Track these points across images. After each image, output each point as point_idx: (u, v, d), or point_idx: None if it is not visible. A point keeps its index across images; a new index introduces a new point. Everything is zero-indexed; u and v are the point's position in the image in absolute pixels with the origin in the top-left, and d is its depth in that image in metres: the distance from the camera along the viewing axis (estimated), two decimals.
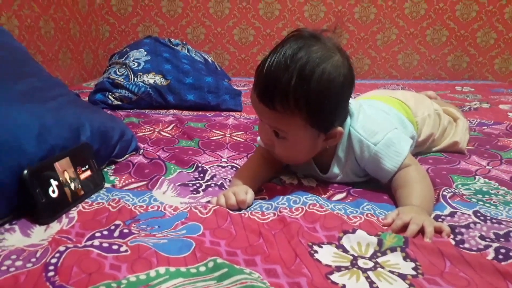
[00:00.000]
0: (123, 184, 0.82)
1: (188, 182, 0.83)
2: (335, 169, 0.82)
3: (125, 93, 1.47)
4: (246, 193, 0.73)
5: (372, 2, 2.45)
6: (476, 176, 0.87)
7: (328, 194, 0.79)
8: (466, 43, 2.45)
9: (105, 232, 0.62)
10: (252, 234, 0.63)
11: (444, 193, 0.77)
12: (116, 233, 0.62)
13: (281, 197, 0.75)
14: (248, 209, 0.72)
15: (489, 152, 1.03)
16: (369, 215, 0.70)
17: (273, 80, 0.68)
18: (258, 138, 0.88)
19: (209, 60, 2.03)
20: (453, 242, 0.62)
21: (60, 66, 2.08)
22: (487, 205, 0.74)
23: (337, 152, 0.80)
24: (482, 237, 0.62)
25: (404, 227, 0.63)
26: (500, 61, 2.44)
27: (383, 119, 0.86)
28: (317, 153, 0.79)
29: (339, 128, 0.75)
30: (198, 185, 0.82)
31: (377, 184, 0.82)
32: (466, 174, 0.88)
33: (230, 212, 0.69)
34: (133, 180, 0.84)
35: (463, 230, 0.65)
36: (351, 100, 0.79)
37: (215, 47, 2.61)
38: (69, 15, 2.18)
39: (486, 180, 0.85)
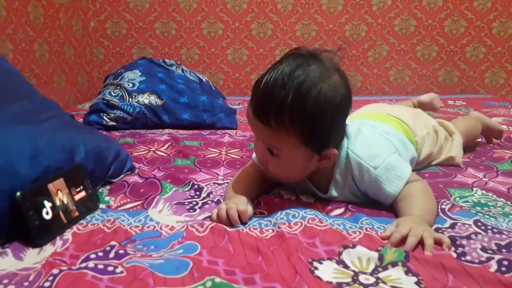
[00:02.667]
0: (118, 204, 0.81)
1: (184, 201, 0.82)
2: (334, 192, 0.80)
3: (120, 113, 1.46)
4: (247, 204, 0.73)
5: (362, 20, 2.49)
6: (474, 188, 0.86)
7: (326, 209, 0.78)
8: (456, 58, 2.49)
9: (100, 254, 0.61)
10: (250, 251, 0.62)
11: (443, 206, 0.76)
12: (112, 254, 0.61)
13: (280, 211, 0.74)
14: (246, 226, 0.71)
15: (485, 164, 1.03)
16: (368, 229, 0.69)
17: (269, 96, 0.68)
18: (254, 155, 0.88)
19: (204, 79, 2.05)
20: (454, 255, 0.61)
21: (55, 89, 2.08)
22: (487, 216, 0.73)
23: (334, 175, 0.79)
24: (484, 249, 0.61)
25: (403, 240, 0.62)
26: (491, 74, 2.47)
27: (382, 142, 0.86)
28: (312, 174, 0.78)
29: (333, 150, 0.74)
30: (194, 203, 0.81)
31: (375, 200, 0.82)
32: (463, 187, 0.88)
33: (228, 229, 0.68)
34: (128, 200, 0.83)
35: (464, 241, 0.64)
36: (349, 122, 0.78)
37: (209, 67, 2.63)
38: (64, 38, 2.20)
39: (484, 192, 0.85)
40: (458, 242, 0.64)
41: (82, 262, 0.59)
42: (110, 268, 0.56)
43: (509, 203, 0.79)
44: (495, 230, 0.67)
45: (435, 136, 1.02)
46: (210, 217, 0.73)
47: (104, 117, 1.46)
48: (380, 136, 0.89)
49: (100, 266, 0.57)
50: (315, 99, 0.67)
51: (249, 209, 0.72)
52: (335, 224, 0.71)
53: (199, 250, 0.63)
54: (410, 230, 0.63)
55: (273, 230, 0.69)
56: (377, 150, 0.78)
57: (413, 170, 0.97)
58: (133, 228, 0.71)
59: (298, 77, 0.67)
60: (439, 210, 0.75)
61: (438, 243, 0.63)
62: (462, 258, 0.60)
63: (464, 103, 1.95)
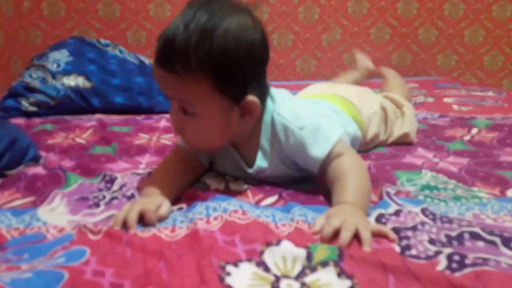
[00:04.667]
0: (4, 201, 0.66)
1: (89, 195, 0.68)
2: (262, 161, 0.70)
3: (42, 97, 1.29)
4: (160, 206, 0.60)
5: (314, 2, 2.38)
6: (423, 170, 0.78)
7: (257, 198, 0.67)
8: (409, 40, 2.44)
9: None
10: (152, 257, 0.49)
11: (388, 189, 0.67)
12: None
13: (199, 204, 0.62)
14: (158, 225, 0.58)
15: (436, 144, 0.95)
16: (300, 222, 0.58)
17: (171, 39, 0.59)
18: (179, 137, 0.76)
19: (147, 62, 1.88)
20: (397, 249, 0.51)
21: None
22: (436, 201, 0.64)
23: (260, 141, 0.70)
24: (432, 241, 0.52)
25: (336, 234, 0.52)
26: (442, 57, 2.44)
27: (314, 107, 0.77)
28: (240, 144, 0.70)
29: (254, 98, 0.64)
30: (100, 197, 0.68)
31: (314, 183, 0.72)
32: (411, 169, 0.79)
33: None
34: (18, 196, 0.68)
35: (409, 233, 0.54)
36: (275, 90, 0.69)
37: None
38: None
39: (434, 173, 0.76)
40: (402, 234, 0.54)
41: None
42: None
43: (460, 184, 0.71)
44: (444, 219, 0.58)
45: (383, 114, 0.94)
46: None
47: (23, 102, 1.28)
48: (314, 104, 0.81)
49: None
50: (223, 36, 0.59)
51: (163, 212, 0.59)
52: (262, 215, 0.59)
53: (86, 257, 0.49)
54: (342, 222, 0.53)
55: (187, 228, 0.57)
56: (305, 113, 0.70)
57: (359, 151, 0.89)
58: (12, 231, 0.57)
59: (201, 16, 0.59)
60: (384, 193, 0.66)
61: (377, 235, 0.53)
62: (407, 253, 0.50)
63: (417, 85, 1.90)
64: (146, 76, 1.49)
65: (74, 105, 1.32)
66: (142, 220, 0.58)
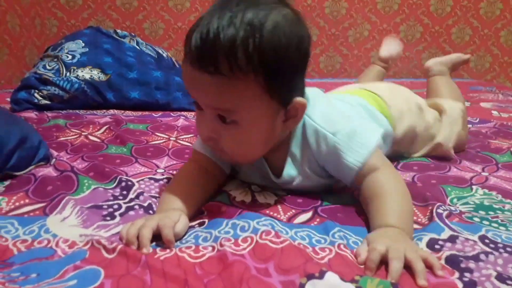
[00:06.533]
0: (12, 206, 0.60)
1: (103, 203, 0.62)
2: (291, 170, 0.63)
3: (55, 90, 1.23)
4: (177, 222, 0.53)
5: None
6: (473, 186, 0.70)
7: (289, 214, 0.60)
8: (441, 39, 2.33)
9: None
10: (175, 284, 0.43)
11: (439, 210, 0.59)
12: None
13: (225, 221, 0.55)
14: (178, 243, 0.52)
15: (481, 156, 0.86)
16: (341, 246, 0.51)
17: (214, 37, 0.50)
18: (196, 142, 0.69)
19: (164, 55, 1.82)
20: (460, 285, 0.44)
21: None
22: (494, 225, 0.56)
23: (290, 148, 0.63)
24: (500, 278, 0.44)
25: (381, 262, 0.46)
26: (476, 58, 2.32)
27: (348, 110, 0.70)
28: (269, 150, 0.62)
29: (301, 99, 0.57)
30: (116, 206, 0.61)
31: (352, 197, 0.65)
32: (460, 184, 0.71)
33: None
34: (27, 201, 0.62)
35: (471, 264, 0.47)
36: (307, 89, 0.62)
37: (176, 44, 2.39)
38: (6, 5, 1.91)
39: (486, 190, 0.68)
40: (463, 265, 0.47)
41: None
42: None
43: None
44: (509, 248, 0.50)
45: (419, 112, 0.84)
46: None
47: (36, 95, 1.23)
48: (347, 104, 0.74)
49: None
50: (272, 31, 0.52)
51: (179, 229, 0.52)
52: (297, 237, 0.52)
53: (100, 280, 0.43)
54: (388, 250, 0.46)
55: (213, 248, 0.50)
56: (339, 116, 0.63)
57: (396, 158, 0.81)
58: (18, 244, 0.51)
59: (245, 12, 0.51)
60: (434, 214, 0.58)
61: (426, 265, 0.46)
62: None
63: None
64: (164, 70, 1.43)
65: (88, 99, 1.26)
66: (156, 239, 0.51)
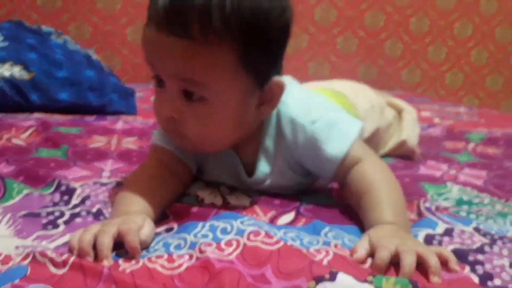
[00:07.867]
0: None
1: (41, 211, 0.50)
2: (264, 166, 0.57)
3: None
4: (141, 227, 0.43)
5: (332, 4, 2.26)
6: (447, 183, 0.68)
7: (269, 215, 0.53)
8: (375, 53, 2.41)
9: None
10: None
11: (426, 204, 0.56)
12: None
13: (200, 223, 0.47)
14: (144, 253, 0.42)
15: (442, 156, 0.86)
16: (338, 246, 0.45)
17: None
18: (155, 135, 0.59)
19: (94, 58, 1.66)
20: (475, 279, 0.40)
21: None
22: (482, 218, 0.54)
23: (263, 141, 0.56)
24: None
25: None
26: (407, 72, 2.44)
27: (323, 99, 0.65)
28: (240, 140, 0.55)
29: (278, 79, 0.51)
30: (57, 214, 0.49)
31: (331, 198, 0.59)
32: (434, 181, 0.69)
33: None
34: None
35: (479, 256, 0.43)
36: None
37: (104, 48, 2.22)
38: None
39: (460, 186, 0.67)
40: (471, 258, 0.43)
41: None
42: None
43: (495, 198, 0.62)
44: (506, 239, 0.48)
45: (380, 111, 0.82)
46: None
47: None
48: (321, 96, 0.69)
49: None
50: None
51: (146, 234, 0.43)
52: (288, 238, 0.45)
53: None
54: (397, 247, 0.41)
55: (190, 256, 0.41)
56: (317, 104, 0.58)
57: None
58: None
59: None
60: (422, 209, 0.55)
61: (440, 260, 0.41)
62: (490, 284, 0.39)
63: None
64: (97, 70, 1.29)
65: (8, 100, 1.08)
66: (117, 248, 0.41)
